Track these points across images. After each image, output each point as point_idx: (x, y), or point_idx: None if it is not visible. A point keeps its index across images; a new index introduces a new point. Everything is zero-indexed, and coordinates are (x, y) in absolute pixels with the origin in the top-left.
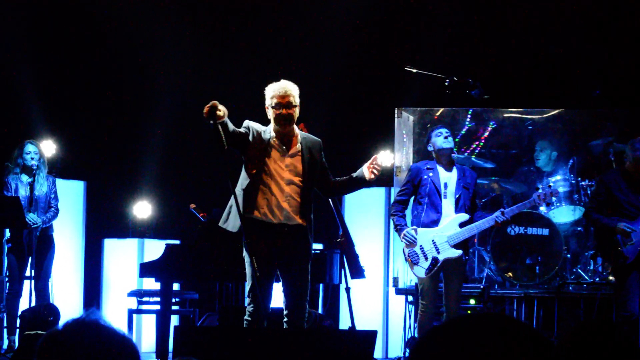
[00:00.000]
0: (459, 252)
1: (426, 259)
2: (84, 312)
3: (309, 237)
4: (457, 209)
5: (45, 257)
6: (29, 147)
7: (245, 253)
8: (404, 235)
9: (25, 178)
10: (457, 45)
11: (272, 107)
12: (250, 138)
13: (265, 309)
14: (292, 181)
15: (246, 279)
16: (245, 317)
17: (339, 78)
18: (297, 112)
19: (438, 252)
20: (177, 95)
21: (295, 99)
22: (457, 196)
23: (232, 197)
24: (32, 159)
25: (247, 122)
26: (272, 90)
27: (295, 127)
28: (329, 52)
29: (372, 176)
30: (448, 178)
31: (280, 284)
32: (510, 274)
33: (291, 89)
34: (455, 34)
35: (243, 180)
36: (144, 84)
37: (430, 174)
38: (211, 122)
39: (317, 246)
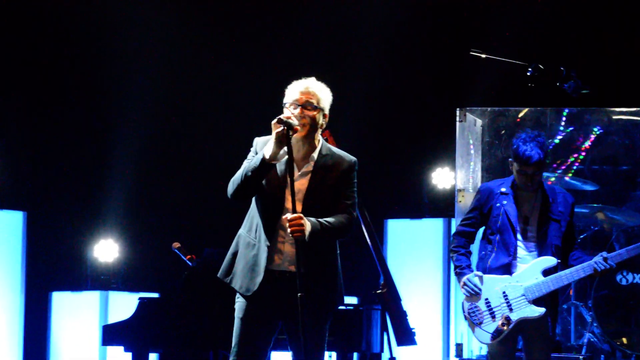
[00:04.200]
0: (540, 311)
1: (493, 318)
2: None
3: (323, 287)
4: (542, 251)
5: None
6: None
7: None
8: (465, 283)
9: None
10: (542, 21)
11: (288, 104)
12: None
13: None
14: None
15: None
16: None
17: (377, 70)
18: (320, 118)
19: (511, 310)
20: (155, 95)
21: (320, 101)
22: (542, 232)
23: (236, 238)
24: None
25: (255, 144)
26: (293, 85)
27: (319, 138)
28: (365, 34)
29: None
30: (529, 208)
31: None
32: (623, 339)
33: (317, 88)
34: (539, 6)
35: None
36: (109, 78)
37: (505, 202)
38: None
39: (350, 300)
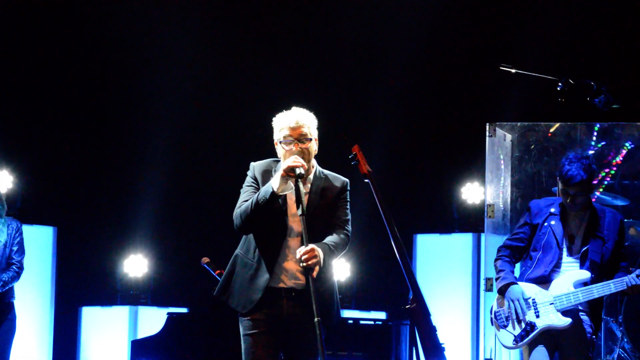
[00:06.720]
0: (566, 321)
1: (519, 323)
2: None
3: (323, 303)
4: (582, 266)
5: (1, 336)
6: None
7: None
8: (509, 293)
9: None
10: (572, 36)
11: (282, 142)
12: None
13: None
14: (300, 233)
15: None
16: None
17: (407, 85)
18: (313, 147)
19: (537, 316)
20: (184, 112)
21: (311, 131)
22: (585, 249)
23: (233, 258)
24: None
25: (252, 169)
26: (281, 121)
27: (313, 163)
28: (394, 50)
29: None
30: (576, 226)
31: None
32: None
33: (305, 118)
34: (569, 21)
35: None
36: (139, 96)
37: (552, 222)
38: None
39: (379, 315)
